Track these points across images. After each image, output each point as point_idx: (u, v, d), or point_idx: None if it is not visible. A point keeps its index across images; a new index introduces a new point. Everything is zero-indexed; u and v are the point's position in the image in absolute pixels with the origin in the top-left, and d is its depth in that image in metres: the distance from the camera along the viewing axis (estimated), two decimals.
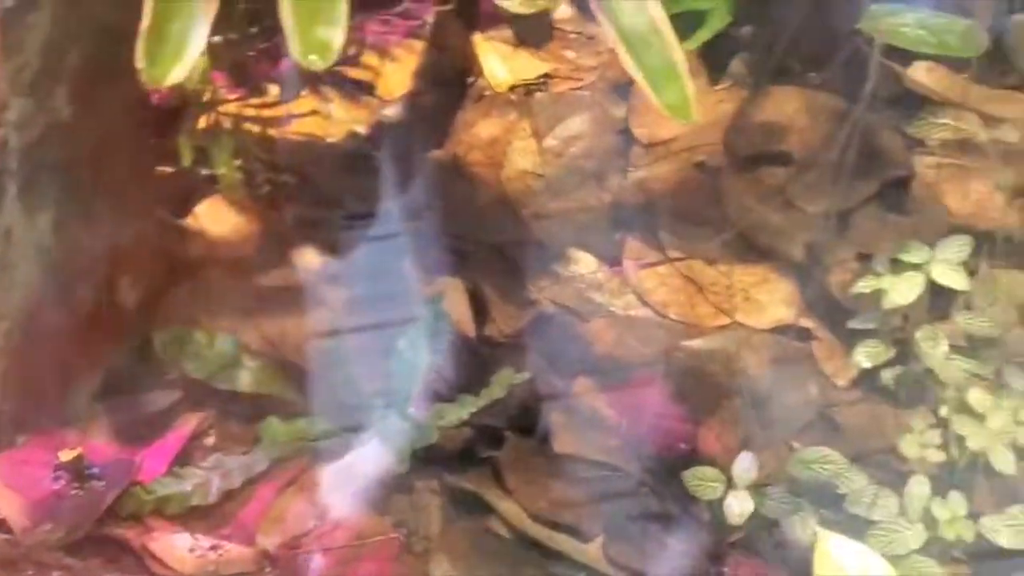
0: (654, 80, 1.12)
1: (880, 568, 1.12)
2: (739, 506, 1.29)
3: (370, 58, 1.59)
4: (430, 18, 1.61)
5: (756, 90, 1.59)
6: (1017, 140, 1.48)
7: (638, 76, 1.12)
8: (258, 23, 1.47)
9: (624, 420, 1.37)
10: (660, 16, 1.12)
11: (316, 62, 1.00)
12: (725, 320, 1.44)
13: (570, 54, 1.63)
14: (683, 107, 1.13)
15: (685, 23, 1.58)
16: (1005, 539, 1.26)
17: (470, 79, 1.61)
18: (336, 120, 1.52)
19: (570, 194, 1.53)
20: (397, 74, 1.59)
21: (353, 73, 1.57)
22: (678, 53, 1.12)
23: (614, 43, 1.12)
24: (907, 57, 1.61)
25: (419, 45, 1.60)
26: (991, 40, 1.64)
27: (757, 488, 1.30)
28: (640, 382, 1.40)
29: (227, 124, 1.46)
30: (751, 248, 1.49)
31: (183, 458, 1.30)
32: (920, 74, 1.63)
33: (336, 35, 1.01)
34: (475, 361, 1.37)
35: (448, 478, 1.30)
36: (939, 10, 1.57)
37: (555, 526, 1.30)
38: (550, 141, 1.58)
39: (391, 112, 1.57)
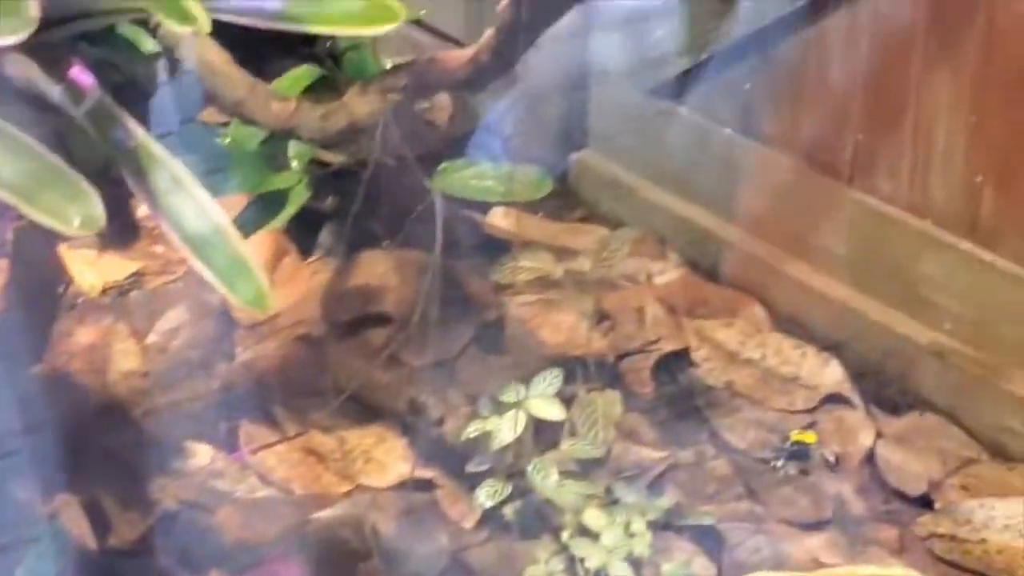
0: (226, 278, 1.15)
1: None
2: None
3: None
4: (9, 235, 1.60)
5: (346, 258, 1.65)
6: (590, 269, 1.59)
7: (209, 276, 1.14)
8: None
9: None
10: (222, 218, 1.16)
11: None
12: (349, 485, 1.47)
13: (159, 249, 1.66)
14: (259, 299, 1.16)
15: (270, 204, 1.64)
16: None
17: (60, 289, 1.60)
18: None
19: (179, 387, 1.54)
20: None
21: None
22: (245, 249, 1.16)
23: (180, 247, 1.15)
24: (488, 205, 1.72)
25: (2, 263, 1.59)
26: (556, 179, 1.77)
27: None
28: (273, 562, 1.41)
29: None
30: (365, 410, 1.54)
31: None
32: (497, 219, 1.73)
33: None
34: None
35: None
36: (509, 157, 1.69)
37: None
38: (152, 337, 1.59)
39: None
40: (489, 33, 1.21)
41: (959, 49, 1.48)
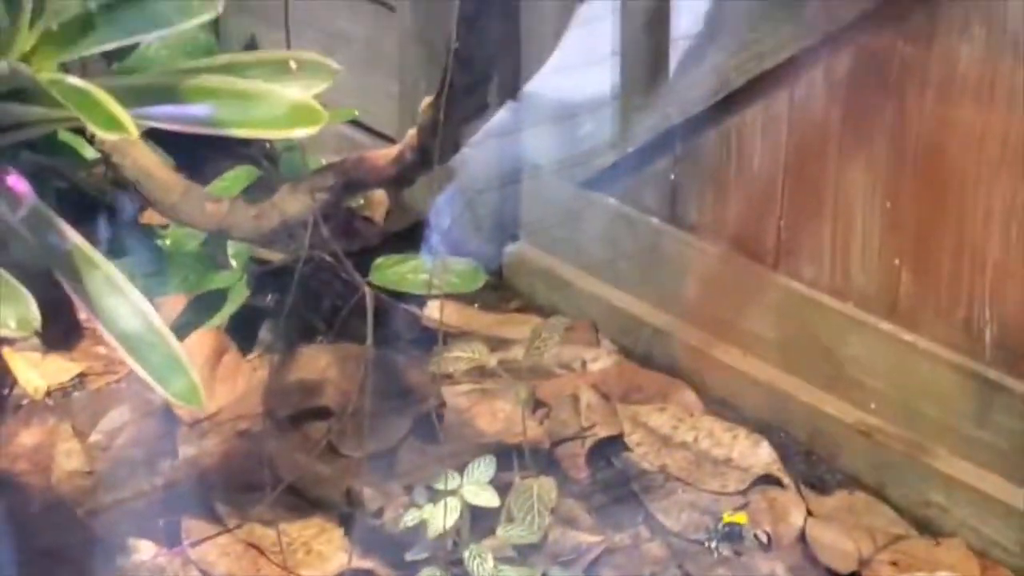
0: (160, 375, 1.18)
1: None
2: None
3: None
4: None
5: (286, 353, 1.68)
6: (523, 358, 1.62)
7: (143, 373, 1.18)
8: None
9: None
10: (156, 317, 1.19)
11: None
12: None
13: (102, 350, 1.68)
14: (192, 395, 1.20)
15: (211, 302, 1.68)
16: None
17: (5, 391, 1.63)
18: None
19: (123, 485, 1.56)
20: None
21: None
22: (179, 347, 1.19)
23: (116, 347, 1.18)
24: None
25: None
26: (492, 272, 1.81)
27: None
28: None
29: None
30: (305, 502, 1.56)
31: None
32: (435, 312, 1.77)
33: None
34: None
35: None
36: (446, 251, 1.74)
37: None
38: (95, 437, 1.61)
39: None
40: (411, 132, 1.26)
41: (872, 139, 1.54)
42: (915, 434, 1.56)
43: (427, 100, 1.24)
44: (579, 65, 1.78)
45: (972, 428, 1.52)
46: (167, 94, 1.19)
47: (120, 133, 1.11)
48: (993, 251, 1.48)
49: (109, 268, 1.23)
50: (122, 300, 1.21)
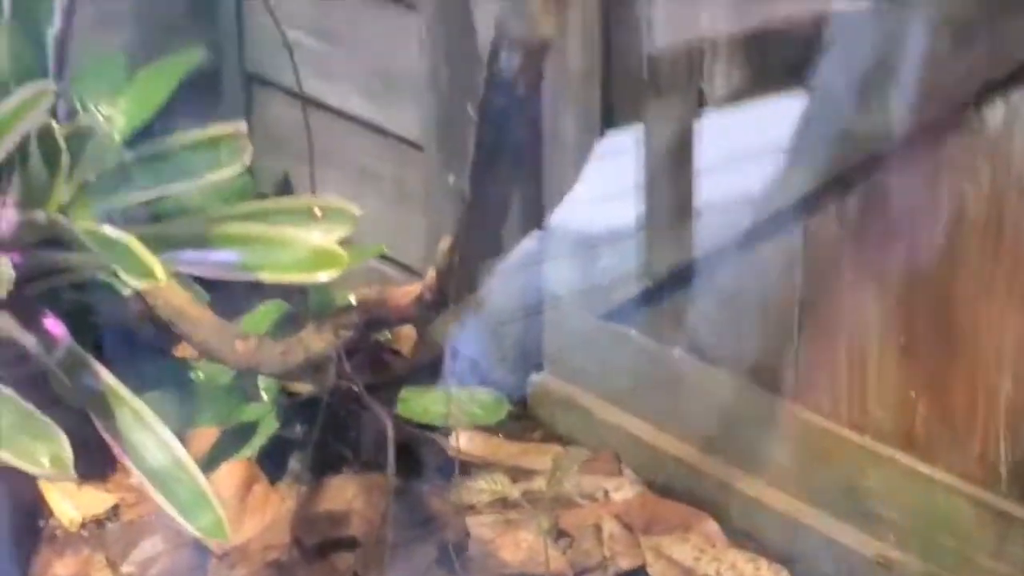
0: (186, 510, 1.23)
1: None
2: None
3: None
4: None
5: (314, 483, 1.72)
6: (547, 487, 1.65)
7: (170, 509, 1.22)
8: None
9: None
10: (183, 452, 1.24)
11: None
12: None
13: (135, 481, 1.72)
14: (218, 529, 1.24)
15: (241, 434, 1.72)
16: None
17: (40, 522, 1.67)
18: None
19: None
20: None
21: None
22: (204, 482, 1.23)
23: (143, 482, 1.22)
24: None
25: None
26: (517, 402, 1.85)
27: None
28: None
29: None
30: None
31: None
32: (460, 442, 1.81)
33: None
34: None
35: None
36: (473, 381, 1.78)
37: None
38: (128, 568, 1.64)
39: None
40: (431, 274, 1.30)
41: (885, 275, 1.58)
42: (934, 566, 1.57)
43: (444, 242, 1.29)
44: (601, 198, 1.83)
45: (989, 560, 1.53)
46: (197, 240, 1.25)
47: (151, 281, 1.16)
48: (1006, 385, 1.51)
49: (138, 404, 1.28)
50: (150, 435, 1.26)
